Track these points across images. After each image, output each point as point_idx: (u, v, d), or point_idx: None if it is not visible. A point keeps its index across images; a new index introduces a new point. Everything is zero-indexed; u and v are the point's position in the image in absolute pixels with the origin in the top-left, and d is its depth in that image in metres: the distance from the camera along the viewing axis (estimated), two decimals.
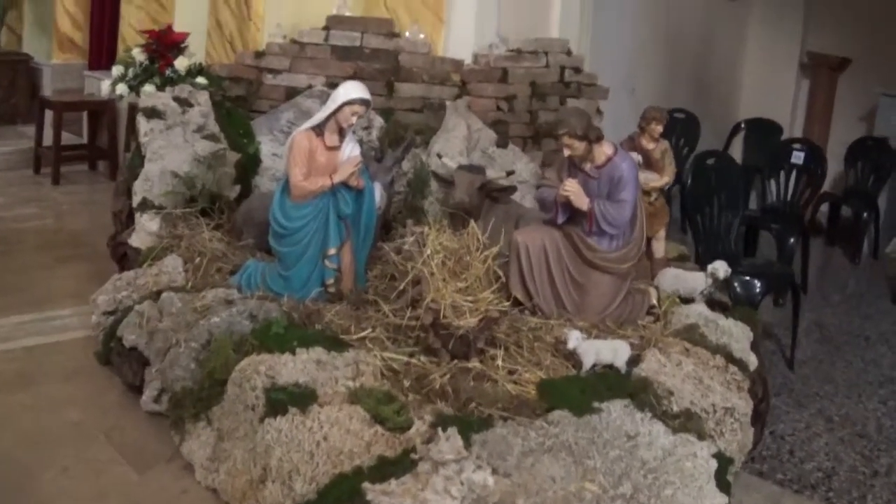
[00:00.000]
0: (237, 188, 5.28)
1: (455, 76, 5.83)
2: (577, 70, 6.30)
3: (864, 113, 9.40)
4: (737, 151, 9.69)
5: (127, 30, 7.07)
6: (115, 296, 4.51)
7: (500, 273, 4.30)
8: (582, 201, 4.18)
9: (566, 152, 4.18)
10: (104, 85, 5.90)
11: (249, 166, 5.39)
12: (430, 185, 5.34)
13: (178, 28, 6.39)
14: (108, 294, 4.55)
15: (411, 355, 3.79)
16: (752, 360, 4.33)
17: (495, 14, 5.93)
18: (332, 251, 4.37)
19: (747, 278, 5.64)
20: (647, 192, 5.21)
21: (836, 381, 5.99)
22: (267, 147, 5.48)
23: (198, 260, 4.67)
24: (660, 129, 5.25)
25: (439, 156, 5.05)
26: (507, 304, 4.22)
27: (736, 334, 4.40)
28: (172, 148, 5.21)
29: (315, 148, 4.28)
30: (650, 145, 5.27)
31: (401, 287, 4.25)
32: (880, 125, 8.85)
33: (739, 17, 9.90)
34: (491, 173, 4.96)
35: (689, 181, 6.07)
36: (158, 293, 4.35)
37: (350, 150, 4.38)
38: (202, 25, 6.27)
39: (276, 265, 4.44)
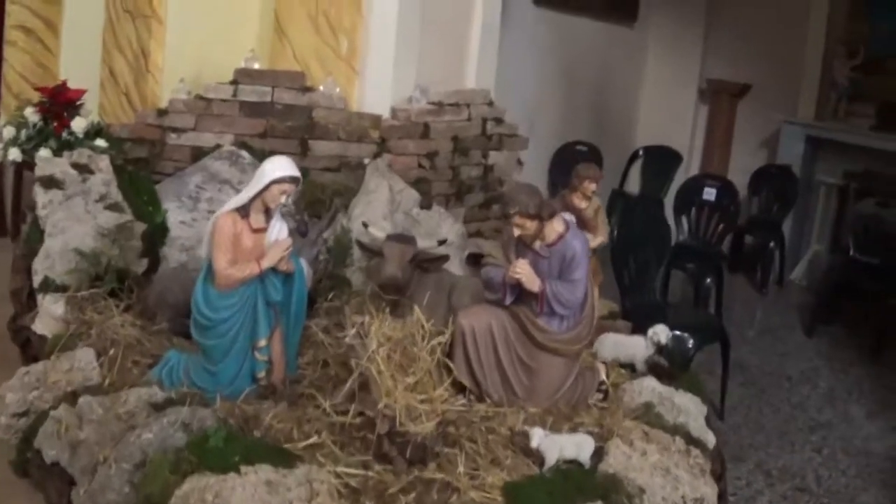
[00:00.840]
0: (144, 262, 4.84)
1: (374, 133, 5.51)
2: (499, 121, 6.07)
3: (765, 139, 9.54)
4: (634, 180, 9.70)
5: (12, 76, 6.44)
6: (24, 395, 4.02)
7: (449, 363, 4.01)
8: (533, 283, 3.96)
9: (516, 232, 3.95)
10: None
11: (157, 236, 4.95)
12: (353, 253, 5.03)
13: (65, 76, 5.86)
14: (17, 392, 4.05)
15: (365, 466, 3.48)
16: (710, 439, 4.19)
17: (414, 64, 5.61)
18: (262, 342, 4.01)
19: (678, 333, 5.55)
20: None
21: (766, 429, 6.01)
22: (174, 214, 5.05)
23: (112, 352, 4.22)
24: (593, 187, 5.13)
25: (365, 225, 4.74)
26: (462, 400, 3.95)
27: (692, 411, 4.27)
28: (74, 221, 4.73)
29: (240, 231, 3.91)
30: (582, 204, 5.14)
31: (346, 389, 3.92)
32: (783, 153, 9.00)
33: (638, 43, 9.91)
34: (422, 243, 4.67)
35: (615, 231, 5.94)
36: (73, 394, 3.90)
37: (278, 231, 4.03)
38: (93, 74, 5.75)
39: (199, 358, 4.05)
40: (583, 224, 5.07)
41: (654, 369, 4.60)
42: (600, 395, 4.31)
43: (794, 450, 5.75)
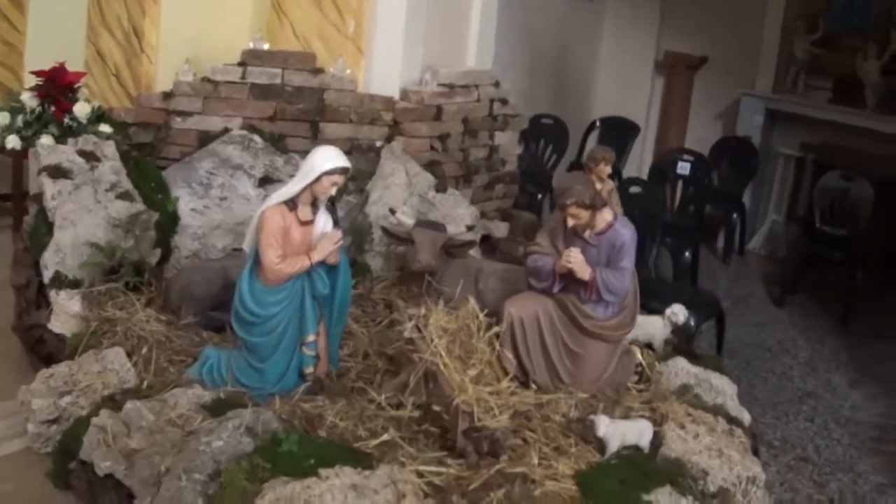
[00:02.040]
0: (157, 252, 4.64)
1: (386, 115, 5.36)
2: (504, 101, 5.99)
3: (721, 112, 9.69)
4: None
5: None
6: (54, 401, 3.81)
7: (504, 353, 3.98)
8: (585, 272, 3.96)
9: (570, 222, 3.93)
10: None
11: (167, 225, 4.74)
12: (372, 238, 4.93)
13: (33, 55, 5.56)
14: (44, 398, 3.84)
15: (440, 462, 3.43)
16: (747, 417, 4.27)
17: (421, 45, 5.47)
18: (311, 337, 3.91)
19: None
20: None
21: (760, 400, 6.15)
22: (185, 202, 4.83)
23: (144, 350, 4.04)
24: (608, 169, 5.14)
25: (392, 211, 4.64)
26: (529, 392, 3.91)
27: (727, 391, 4.36)
28: (84, 211, 4.50)
29: (289, 225, 3.78)
30: (597, 186, 5.11)
31: (396, 381, 3.88)
32: (742, 125, 9.14)
33: (595, 15, 9.93)
34: (451, 229, 4.61)
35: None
36: (112, 398, 3.72)
37: (324, 223, 3.91)
38: (66, 53, 5.40)
39: (242, 354, 3.92)
40: None
41: (677, 350, 4.67)
42: (635, 377, 4.35)
43: (788, 420, 5.90)
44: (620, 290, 4.04)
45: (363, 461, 3.31)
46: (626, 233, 4.02)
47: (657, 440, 3.74)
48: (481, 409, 3.58)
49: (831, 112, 8.66)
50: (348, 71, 5.33)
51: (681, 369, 4.38)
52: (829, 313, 7.67)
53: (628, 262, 4.01)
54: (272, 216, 3.73)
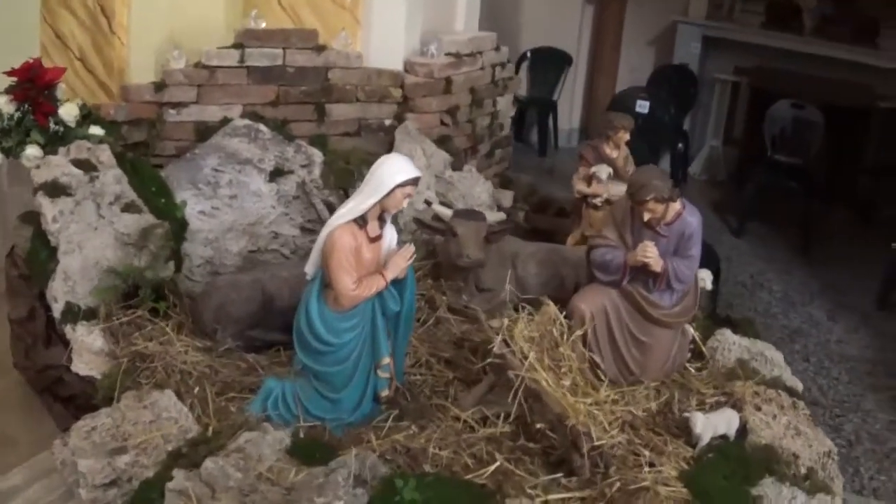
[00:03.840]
0: (171, 265, 4.20)
1: (395, 92, 4.97)
2: (503, 66, 5.67)
3: (654, 38, 9.61)
4: (522, 83, 9.51)
5: None
6: (107, 461, 3.40)
7: (597, 360, 3.83)
8: (658, 264, 3.84)
9: (646, 216, 3.78)
10: None
11: (176, 232, 4.30)
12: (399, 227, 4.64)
13: None
14: (94, 458, 3.41)
15: (557, 484, 3.29)
16: (799, 385, 4.31)
17: (422, 12, 5.04)
18: (386, 360, 3.63)
19: None
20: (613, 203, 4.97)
21: None
22: (192, 204, 4.39)
23: (197, 389, 3.67)
24: (627, 137, 4.99)
25: (428, 203, 4.34)
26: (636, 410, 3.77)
27: (778, 361, 4.36)
28: (89, 231, 4.02)
29: (360, 244, 3.46)
30: (613, 153, 4.99)
31: (473, 394, 3.72)
32: (679, 52, 9.10)
33: None
34: (490, 216, 4.37)
35: None
36: (179, 453, 3.36)
37: (391, 237, 3.60)
38: (23, 36, 4.76)
39: (310, 383, 3.62)
40: (615, 173, 4.97)
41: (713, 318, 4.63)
42: (689, 355, 4.29)
43: (789, 363, 6.01)
44: (689, 278, 3.99)
45: (488, 498, 3.15)
46: (694, 221, 3.93)
47: (742, 427, 3.73)
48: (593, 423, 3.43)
49: (769, 38, 8.71)
50: (355, 46, 4.89)
51: (732, 343, 4.36)
52: (787, 241, 7.84)
53: (696, 249, 3.94)
54: (343, 237, 3.40)
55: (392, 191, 3.41)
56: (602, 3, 9.61)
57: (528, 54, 9.49)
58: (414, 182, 3.46)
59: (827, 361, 6.07)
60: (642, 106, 7.44)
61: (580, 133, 10.05)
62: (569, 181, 4.84)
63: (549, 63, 9.42)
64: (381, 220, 3.54)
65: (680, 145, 8.75)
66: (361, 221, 3.44)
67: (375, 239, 3.51)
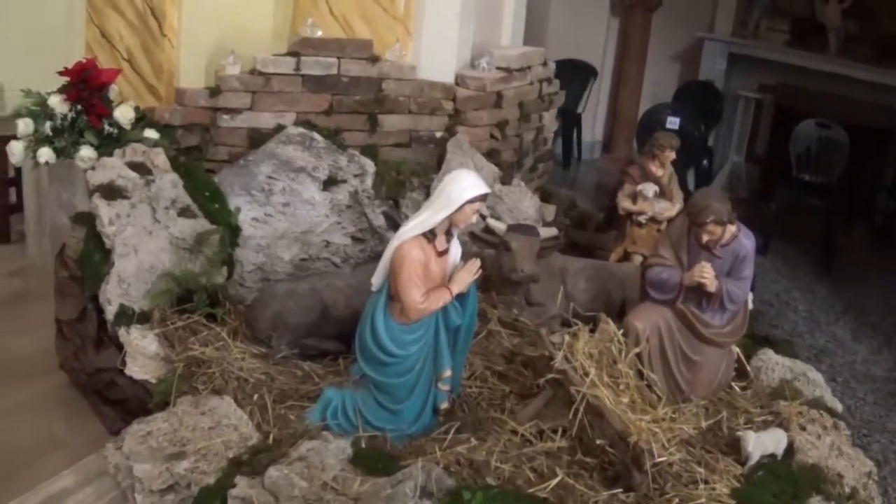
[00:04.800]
0: (224, 270, 4.22)
1: (447, 104, 4.99)
2: (550, 81, 5.69)
3: (679, 53, 9.64)
4: None
5: None
6: (164, 467, 3.41)
7: (652, 377, 3.86)
8: (713, 285, 3.88)
9: (705, 238, 3.82)
10: (15, 148, 4.28)
11: (229, 238, 4.31)
12: None
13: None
14: (151, 463, 3.42)
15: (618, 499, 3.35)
16: (839, 406, 4.35)
17: (473, 25, 5.06)
18: (448, 372, 3.66)
19: None
20: (658, 221, 5.02)
21: None
22: (246, 211, 4.40)
23: (256, 397, 3.69)
24: (673, 156, 5.03)
25: (483, 217, 4.37)
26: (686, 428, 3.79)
27: (819, 382, 4.41)
28: (144, 234, 4.04)
29: (428, 258, 3.48)
30: (659, 171, 5.04)
31: (530, 408, 3.74)
32: (705, 69, 9.13)
33: None
34: (543, 232, 4.40)
35: None
36: (240, 461, 3.38)
37: (457, 251, 3.63)
38: (60, 35, 4.76)
39: (371, 394, 3.64)
40: (660, 191, 5.02)
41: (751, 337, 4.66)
42: (733, 374, 4.32)
43: None
44: (741, 299, 4.04)
45: None
46: (749, 244, 3.96)
47: (789, 447, 3.78)
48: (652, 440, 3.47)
49: (794, 56, 8.76)
50: (406, 57, 4.91)
51: (775, 363, 4.42)
52: (810, 260, 7.87)
53: (749, 271, 3.99)
54: (411, 251, 3.42)
55: (462, 206, 3.44)
56: (627, 17, 9.64)
57: (554, 66, 9.49)
58: (483, 198, 3.48)
59: (853, 381, 6.10)
60: (672, 122, 7.48)
61: (603, 146, 10.08)
62: (592, 193, 4.87)
63: (573, 75, 9.42)
64: (448, 235, 3.56)
65: (705, 161, 8.79)
66: (430, 235, 3.47)
67: (443, 253, 3.54)
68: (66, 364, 4.20)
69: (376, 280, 3.55)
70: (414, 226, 3.47)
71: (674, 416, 3.77)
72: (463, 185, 3.45)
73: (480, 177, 3.52)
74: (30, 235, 5.36)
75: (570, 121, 9.45)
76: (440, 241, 3.52)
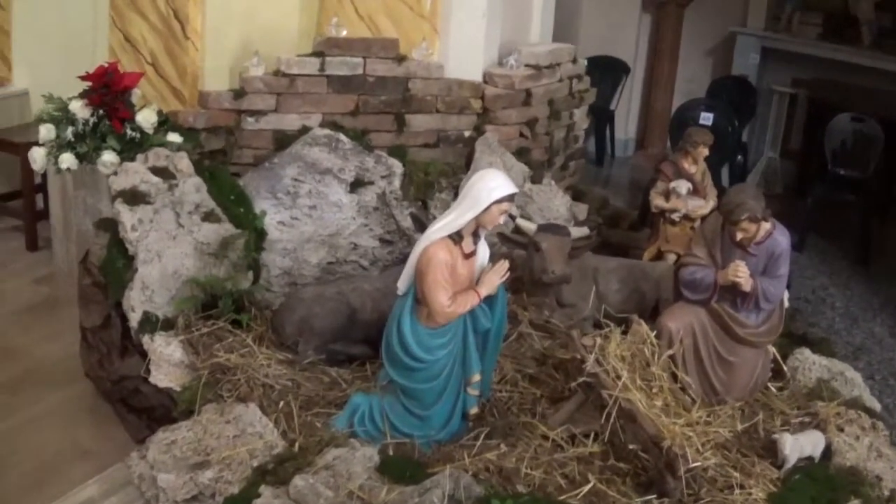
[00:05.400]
0: (250, 275, 4.18)
1: (475, 103, 4.92)
2: (580, 78, 5.60)
3: (712, 49, 9.50)
4: None
5: None
6: (189, 476, 3.36)
7: (686, 379, 3.76)
8: (748, 284, 3.78)
9: (739, 236, 3.71)
10: (37, 154, 4.27)
11: (255, 242, 4.27)
12: None
13: (21, 37, 4.81)
14: (176, 473, 3.38)
15: None
16: (877, 405, 4.23)
17: (500, 22, 4.97)
18: (476, 377, 3.58)
19: None
20: (692, 219, 4.92)
21: None
22: (271, 214, 4.36)
23: (282, 404, 3.63)
24: (706, 152, 4.92)
25: (513, 217, 4.30)
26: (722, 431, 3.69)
27: (858, 382, 4.28)
28: (168, 240, 4.01)
29: (455, 260, 3.40)
30: (692, 168, 4.93)
31: (562, 413, 3.65)
32: (738, 64, 8.99)
33: None
34: (574, 231, 4.31)
35: None
36: (265, 469, 3.33)
37: (484, 253, 3.55)
38: (82, 39, 4.74)
39: (398, 399, 3.57)
40: (694, 188, 4.91)
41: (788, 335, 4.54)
42: (770, 374, 4.20)
43: None
44: (777, 298, 3.93)
45: None
46: (784, 241, 3.86)
47: (827, 449, 3.69)
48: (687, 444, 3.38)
49: (827, 50, 8.60)
50: (434, 56, 4.83)
51: (812, 362, 4.31)
52: (846, 255, 7.72)
53: (784, 269, 3.89)
54: (438, 254, 3.35)
55: (489, 207, 3.36)
56: (659, 13, 9.51)
57: (586, 63, 9.40)
58: (510, 198, 3.40)
59: (891, 379, 5.94)
60: (706, 118, 7.35)
61: (636, 143, 9.97)
62: (625, 191, 4.78)
63: (606, 72, 9.31)
64: (476, 236, 3.49)
65: (739, 157, 8.64)
66: (457, 237, 3.39)
67: (470, 255, 3.46)
68: (91, 372, 4.18)
69: (402, 284, 3.49)
70: (440, 227, 3.39)
71: (708, 419, 3.67)
72: (490, 185, 3.37)
73: (508, 176, 3.44)
74: (56, 242, 5.36)
75: (603, 118, 9.34)
76: (467, 243, 3.44)
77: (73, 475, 3.81)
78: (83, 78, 4.27)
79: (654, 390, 3.57)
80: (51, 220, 5.38)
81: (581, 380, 3.54)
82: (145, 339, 3.85)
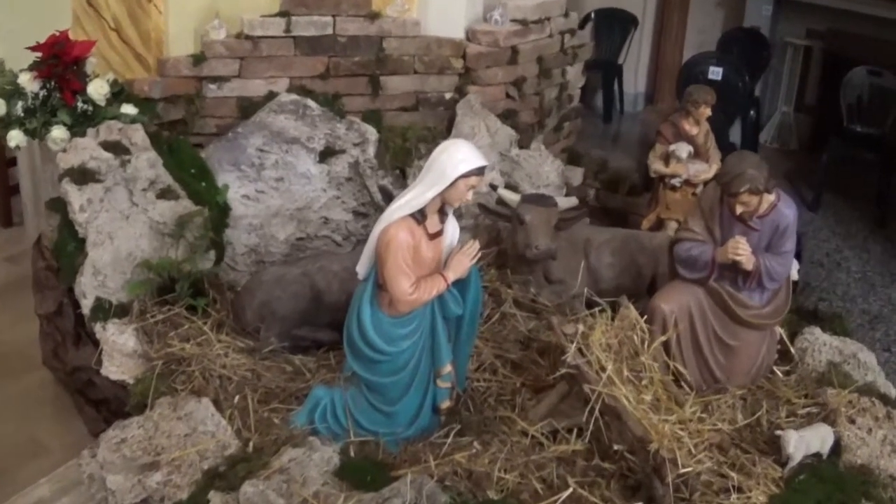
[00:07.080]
0: (212, 254, 3.89)
1: (456, 62, 4.56)
2: (573, 33, 5.22)
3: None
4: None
5: None
6: (137, 479, 3.13)
7: (680, 369, 3.45)
8: (750, 262, 3.45)
9: (739, 209, 3.37)
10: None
11: (217, 219, 3.98)
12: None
13: None
14: (124, 474, 3.16)
15: None
16: (893, 391, 3.90)
17: None
18: (447, 368, 3.28)
19: None
20: (694, 184, 4.60)
21: None
22: (235, 188, 4.07)
23: (237, 398, 3.35)
24: (708, 112, 4.59)
25: (493, 187, 3.96)
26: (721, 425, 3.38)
27: (872, 365, 3.99)
28: (121, 220, 3.72)
29: (418, 241, 3.08)
30: (693, 130, 4.60)
31: (542, 407, 3.37)
32: (751, 15, 8.56)
33: None
34: (562, 202, 3.98)
35: None
36: (216, 473, 3.07)
37: (453, 232, 3.22)
38: (51, 3, 4.40)
39: (363, 393, 3.28)
40: (696, 151, 4.58)
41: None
42: (776, 357, 3.89)
43: (870, 349, 5.59)
44: (783, 276, 3.61)
45: None
46: (790, 213, 3.53)
47: (836, 444, 3.42)
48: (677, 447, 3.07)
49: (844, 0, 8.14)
50: (410, 12, 4.47)
51: (822, 343, 4.00)
52: (863, 215, 7.34)
53: (791, 245, 3.56)
54: (398, 235, 3.02)
55: (455, 182, 3.02)
56: None
57: (593, 15, 9.01)
58: (480, 172, 3.07)
59: None
60: (715, 72, 6.94)
61: (646, 98, 9.57)
62: (634, 149, 4.46)
63: (614, 24, 8.93)
64: (443, 214, 3.16)
65: (752, 112, 8.22)
66: (420, 216, 3.07)
67: (435, 235, 3.14)
68: (48, 361, 3.95)
69: (362, 268, 3.18)
70: (401, 206, 3.07)
71: (703, 415, 3.36)
72: (456, 157, 3.04)
73: (476, 147, 3.11)
74: (28, 218, 5.11)
75: (610, 72, 8.98)
76: (432, 222, 3.12)
77: (30, 472, 3.63)
78: (32, 49, 3.94)
79: (644, 382, 3.26)
80: (21, 196, 5.12)
81: (561, 371, 3.22)
82: (97, 327, 3.60)
